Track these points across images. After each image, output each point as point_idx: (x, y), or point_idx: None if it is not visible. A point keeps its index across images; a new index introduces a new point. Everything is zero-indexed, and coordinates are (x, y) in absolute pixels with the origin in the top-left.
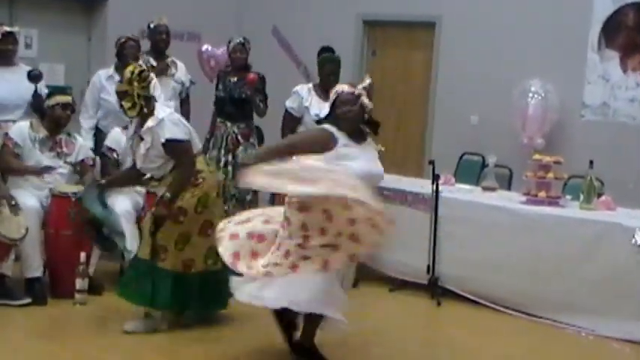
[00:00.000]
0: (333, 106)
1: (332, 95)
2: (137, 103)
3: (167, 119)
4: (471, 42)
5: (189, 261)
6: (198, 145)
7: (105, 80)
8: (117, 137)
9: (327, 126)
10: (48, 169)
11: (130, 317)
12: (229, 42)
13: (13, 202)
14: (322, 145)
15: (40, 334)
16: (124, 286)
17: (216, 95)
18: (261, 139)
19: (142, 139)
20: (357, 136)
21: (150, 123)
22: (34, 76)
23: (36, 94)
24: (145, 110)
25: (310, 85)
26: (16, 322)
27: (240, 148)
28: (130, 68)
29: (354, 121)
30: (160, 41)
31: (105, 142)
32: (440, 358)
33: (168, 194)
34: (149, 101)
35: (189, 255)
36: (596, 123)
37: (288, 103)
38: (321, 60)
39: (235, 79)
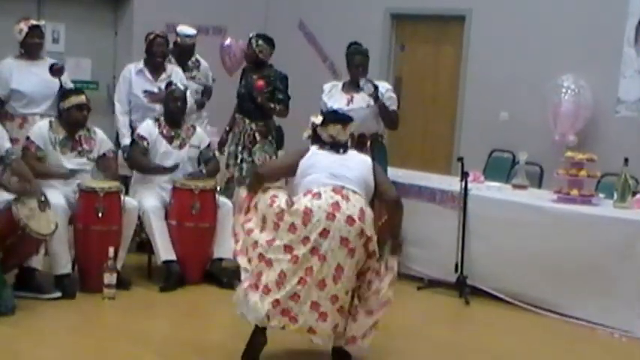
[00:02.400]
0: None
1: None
2: None
3: None
4: (502, 36)
5: None
6: None
7: (135, 74)
8: (149, 128)
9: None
10: (73, 172)
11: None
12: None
13: (43, 199)
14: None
15: (69, 327)
16: None
17: (239, 91)
18: (281, 139)
19: None
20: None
21: None
22: (56, 70)
23: (62, 90)
24: None
25: (340, 82)
26: (46, 315)
27: (257, 145)
28: None
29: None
30: (183, 49)
31: (137, 130)
32: (468, 357)
33: None
34: None
35: None
36: (632, 119)
37: (321, 103)
38: (350, 52)
39: (255, 76)
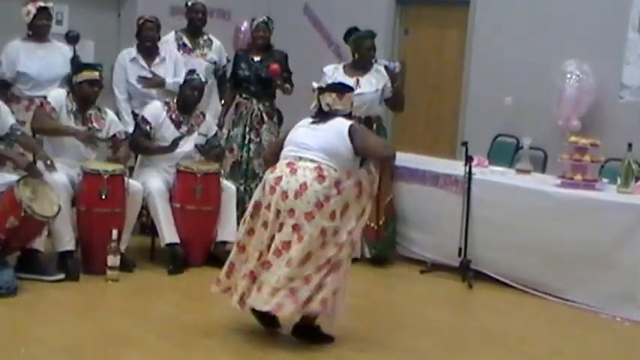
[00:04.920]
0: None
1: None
2: None
3: None
4: (506, 21)
5: None
6: None
7: (129, 61)
8: (155, 111)
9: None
10: (81, 134)
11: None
12: (252, 20)
13: (49, 162)
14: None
15: (72, 309)
16: None
17: (240, 74)
18: (280, 120)
19: None
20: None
21: None
22: (72, 37)
23: (75, 58)
24: None
25: (340, 65)
26: (49, 297)
27: (264, 126)
28: None
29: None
30: (196, 20)
31: (142, 112)
32: (470, 341)
33: None
34: None
35: None
36: (636, 104)
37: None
38: (360, 36)
39: (259, 58)
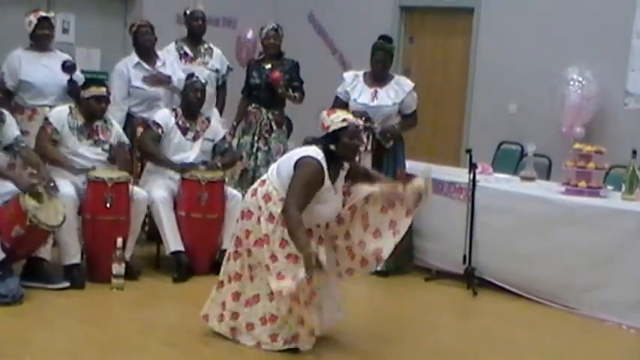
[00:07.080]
0: (338, 133)
1: (340, 122)
2: None
3: None
4: (510, 28)
5: None
6: None
7: (132, 68)
8: (166, 116)
9: (317, 160)
10: (81, 170)
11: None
12: (262, 29)
13: (52, 184)
14: (318, 182)
15: (77, 317)
16: None
17: (251, 82)
18: (290, 129)
19: None
20: (336, 171)
21: None
22: (68, 67)
23: (71, 82)
24: None
25: (360, 72)
26: (55, 305)
27: (273, 135)
28: None
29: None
30: (196, 27)
31: (153, 117)
32: (475, 348)
33: None
34: None
35: None
36: None
37: (338, 89)
38: (375, 46)
39: (269, 65)
